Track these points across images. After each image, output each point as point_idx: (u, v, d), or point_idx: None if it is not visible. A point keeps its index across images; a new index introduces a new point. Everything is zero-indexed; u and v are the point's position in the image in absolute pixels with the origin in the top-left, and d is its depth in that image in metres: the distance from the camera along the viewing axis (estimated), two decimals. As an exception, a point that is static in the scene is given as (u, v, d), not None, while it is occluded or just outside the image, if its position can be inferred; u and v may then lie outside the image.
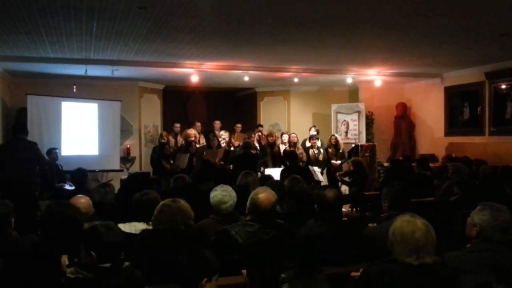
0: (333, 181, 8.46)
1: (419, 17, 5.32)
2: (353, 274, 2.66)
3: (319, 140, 9.46)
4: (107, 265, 2.27)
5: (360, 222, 5.42)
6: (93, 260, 2.27)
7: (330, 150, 9.24)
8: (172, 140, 9.72)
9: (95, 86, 9.72)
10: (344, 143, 9.95)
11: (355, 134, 10.83)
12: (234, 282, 2.63)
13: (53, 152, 7.89)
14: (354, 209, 6.93)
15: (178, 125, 10.22)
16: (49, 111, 9.03)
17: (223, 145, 9.49)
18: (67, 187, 7.00)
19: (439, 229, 2.52)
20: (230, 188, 3.60)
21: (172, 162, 8.71)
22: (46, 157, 7.27)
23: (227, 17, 5.29)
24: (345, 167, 8.00)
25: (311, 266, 2.44)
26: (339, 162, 8.96)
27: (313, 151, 9.10)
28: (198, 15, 5.18)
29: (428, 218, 2.45)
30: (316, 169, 8.11)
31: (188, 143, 8.91)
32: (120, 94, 10.02)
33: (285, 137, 9.33)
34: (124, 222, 3.37)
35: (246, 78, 9.80)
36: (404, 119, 11.11)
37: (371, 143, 10.23)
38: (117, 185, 6.26)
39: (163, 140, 9.22)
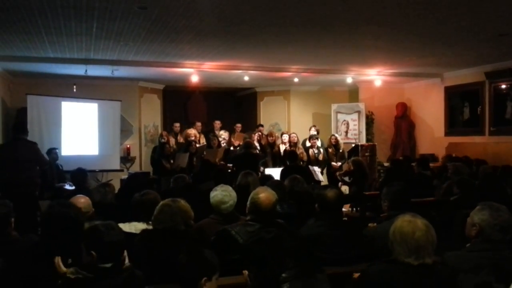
0: (333, 181, 8.44)
1: (419, 17, 5.32)
2: (355, 275, 2.66)
3: (319, 140, 9.45)
4: (108, 265, 2.26)
5: (360, 222, 5.41)
6: (94, 260, 2.27)
7: (330, 150, 9.23)
8: (172, 140, 9.72)
9: (95, 86, 9.72)
10: (344, 143, 9.94)
11: (355, 134, 10.83)
12: (235, 282, 2.63)
13: (53, 152, 7.90)
14: (354, 209, 6.92)
15: (178, 125, 10.21)
16: (49, 111, 9.02)
17: (223, 144, 9.48)
18: (67, 187, 6.99)
19: (439, 229, 2.52)
20: (230, 188, 3.60)
21: (172, 162, 8.72)
22: (46, 157, 7.28)
23: (227, 17, 5.29)
24: (345, 167, 7.99)
25: (312, 265, 2.43)
26: (339, 164, 8.95)
27: (313, 151, 9.09)
28: (198, 15, 5.18)
29: (428, 218, 2.45)
30: (316, 169, 8.10)
31: (188, 143, 8.91)
32: (120, 94, 10.02)
33: (285, 137, 9.31)
34: (124, 222, 3.36)
35: (246, 78, 9.80)
36: (404, 119, 11.11)
37: (371, 143, 10.22)
38: (117, 185, 6.27)
39: (163, 140, 9.22)
